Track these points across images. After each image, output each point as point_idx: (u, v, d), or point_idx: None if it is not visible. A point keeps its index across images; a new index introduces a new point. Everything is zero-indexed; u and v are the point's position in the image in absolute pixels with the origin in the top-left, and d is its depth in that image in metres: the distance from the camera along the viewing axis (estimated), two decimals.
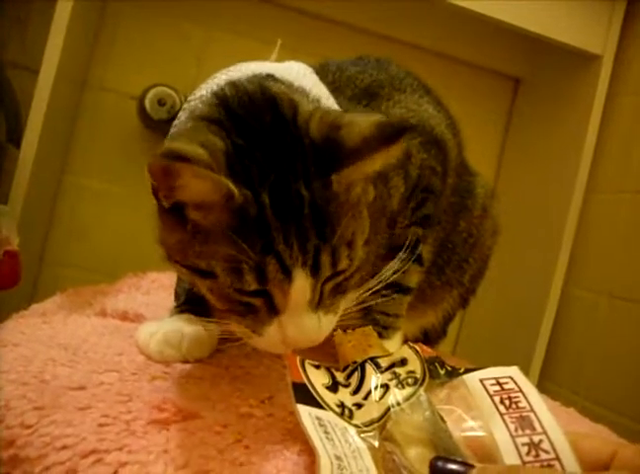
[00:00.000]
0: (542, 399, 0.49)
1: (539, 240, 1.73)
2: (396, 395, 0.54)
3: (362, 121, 0.61)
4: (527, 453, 0.45)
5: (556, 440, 0.45)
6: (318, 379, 0.56)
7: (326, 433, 0.49)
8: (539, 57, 1.86)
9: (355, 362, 0.59)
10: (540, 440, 0.45)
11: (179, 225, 0.61)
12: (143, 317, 0.88)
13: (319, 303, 0.61)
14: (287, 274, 0.58)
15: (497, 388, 0.50)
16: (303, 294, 0.59)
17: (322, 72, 0.82)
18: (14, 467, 0.49)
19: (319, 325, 0.62)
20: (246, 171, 0.58)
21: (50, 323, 0.80)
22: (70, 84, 1.60)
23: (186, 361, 0.71)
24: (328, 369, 0.59)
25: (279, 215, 0.57)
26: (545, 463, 0.44)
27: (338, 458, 0.46)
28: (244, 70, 0.74)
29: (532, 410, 0.48)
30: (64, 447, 0.49)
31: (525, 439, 0.45)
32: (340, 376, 0.58)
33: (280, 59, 0.85)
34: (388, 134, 0.60)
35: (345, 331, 0.65)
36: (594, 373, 1.53)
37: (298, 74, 0.75)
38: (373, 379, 0.56)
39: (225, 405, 0.60)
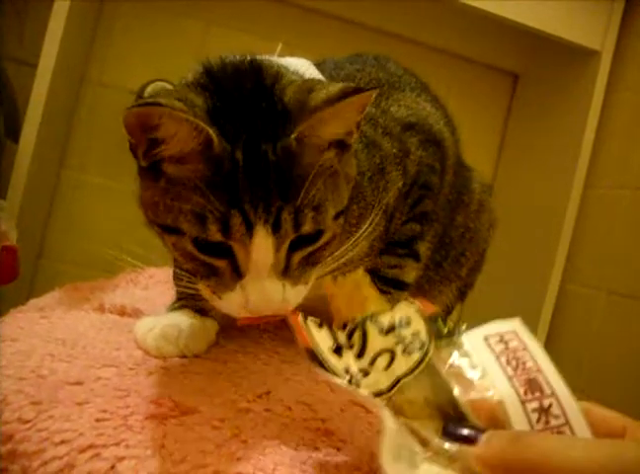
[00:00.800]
0: (548, 357, 0.48)
1: (537, 236, 1.73)
2: (404, 363, 0.51)
3: (333, 86, 0.62)
4: (538, 420, 0.44)
5: (565, 403, 0.44)
6: (324, 342, 0.54)
7: None
8: (538, 53, 1.86)
9: (354, 320, 0.56)
10: (550, 404, 0.44)
11: (154, 182, 0.62)
12: (141, 312, 0.87)
13: (285, 272, 0.61)
14: (249, 229, 0.58)
15: (502, 347, 0.48)
16: (265, 254, 0.59)
17: (319, 70, 0.82)
18: (12, 462, 0.49)
19: (283, 295, 0.61)
20: (222, 128, 0.59)
21: (49, 318, 0.80)
22: (68, 79, 1.60)
23: (183, 356, 0.71)
24: (330, 329, 0.56)
25: (248, 175, 0.58)
26: (555, 430, 0.43)
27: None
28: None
29: (540, 370, 0.46)
30: (62, 442, 0.49)
31: (535, 405, 0.44)
32: (341, 336, 0.55)
33: (279, 56, 0.85)
34: (348, 91, 0.60)
35: (335, 279, 0.62)
36: (591, 369, 1.53)
37: (297, 64, 0.76)
38: (377, 342, 0.54)
39: (223, 400, 0.59)
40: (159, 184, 0.62)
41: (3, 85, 1.44)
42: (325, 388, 0.68)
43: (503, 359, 0.48)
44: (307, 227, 0.60)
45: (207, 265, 0.61)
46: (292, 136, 0.60)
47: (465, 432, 0.45)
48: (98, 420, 0.52)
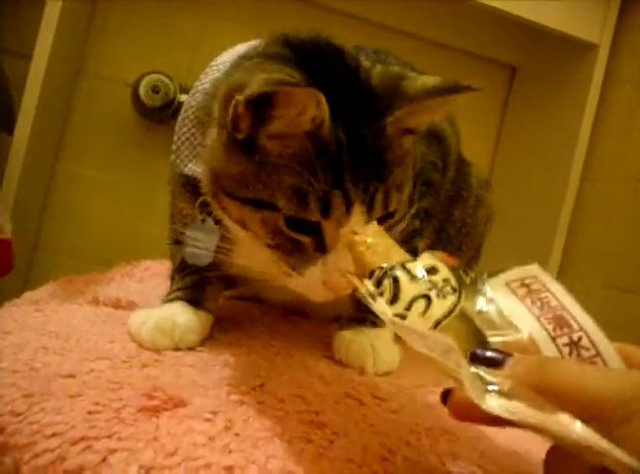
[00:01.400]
0: (570, 296, 0.47)
1: (534, 229, 1.73)
2: (440, 307, 0.51)
3: (428, 77, 0.64)
4: (570, 354, 0.44)
5: (594, 335, 0.44)
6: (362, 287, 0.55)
7: None
8: (536, 46, 1.86)
9: (381, 268, 0.55)
10: (580, 338, 0.44)
11: (245, 156, 0.62)
12: (136, 305, 0.87)
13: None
14: (348, 208, 0.60)
15: (525, 291, 0.49)
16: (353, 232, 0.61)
17: None
18: (3, 454, 0.49)
19: None
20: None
21: (43, 311, 0.80)
22: (64, 71, 1.59)
23: (178, 349, 0.71)
24: (358, 278, 0.57)
25: (351, 156, 0.60)
26: (588, 361, 0.44)
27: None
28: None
29: (565, 308, 0.46)
30: (54, 435, 0.48)
31: (565, 339, 0.45)
32: (369, 285, 0.55)
33: None
34: (451, 86, 0.63)
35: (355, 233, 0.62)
36: None
37: None
38: (411, 288, 0.53)
39: (216, 392, 0.59)
40: (253, 158, 0.62)
41: None
42: (319, 381, 0.68)
43: (528, 301, 0.48)
44: (392, 207, 0.64)
45: (293, 240, 0.62)
46: (389, 120, 0.62)
47: (491, 353, 0.45)
48: (90, 412, 0.51)
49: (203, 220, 0.75)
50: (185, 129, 0.76)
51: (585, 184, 1.66)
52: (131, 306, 0.87)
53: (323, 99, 0.57)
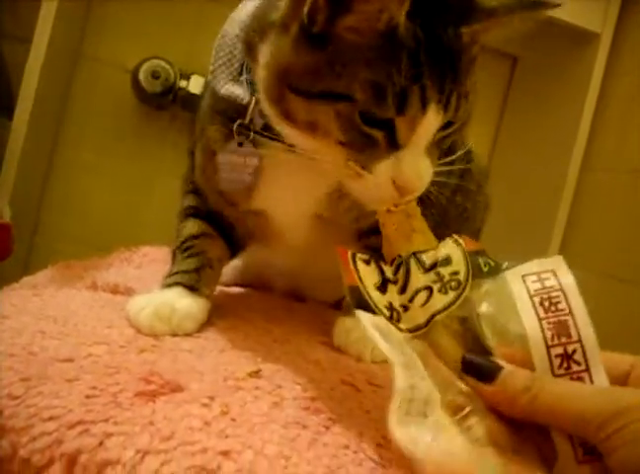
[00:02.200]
0: (582, 300, 0.48)
1: (533, 219, 1.73)
2: (439, 301, 0.53)
3: None
4: (559, 366, 0.45)
5: (589, 350, 0.46)
6: (370, 279, 0.55)
7: (388, 342, 0.50)
8: (537, 36, 1.84)
9: (400, 257, 0.58)
10: (574, 351, 0.46)
11: (317, 47, 0.62)
12: (134, 291, 0.87)
13: (430, 150, 0.65)
14: (424, 105, 0.60)
15: (538, 286, 0.49)
16: (430, 131, 0.63)
17: None
18: (1, 437, 0.49)
19: (428, 169, 0.65)
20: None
21: (41, 296, 0.80)
22: (63, 56, 1.58)
23: (175, 334, 0.71)
24: (377, 264, 0.57)
25: (429, 55, 0.60)
26: (575, 376, 0.45)
27: (406, 367, 0.47)
28: None
29: (571, 313, 0.47)
30: (51, 418, 0.49)
31: (560, 350, 0.46)
32: (388, 271, 0.57)
33: None
34: (527, 3, 0.65)
35: (388, 210, 0.63)
36: None
37: None
38: (418, 279, 0.55)
39: (213, 377, 0.60)
40: (327, 49, 0.61)
41: None
42: (316, 367, 0.68)
43: (537, 299, 0.49)
44: (462, 113, 0.65)
45: (365, 135, 0.62)
46: (466, 31, 0.63)
47: (482, 363, 0.47)
48: (87, 396, 0.51)
49: (241, 144, 0.74)
50: (222, 54, 0.76)
51: (584, 174, 1.66)
52: (129, 292, 0.87)
53: None
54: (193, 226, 0.85)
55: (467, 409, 0.46)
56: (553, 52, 1.81)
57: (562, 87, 1.76)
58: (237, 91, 0.73)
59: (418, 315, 0.53)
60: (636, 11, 1.65)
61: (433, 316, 0.52)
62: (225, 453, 0.46)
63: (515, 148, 1.91)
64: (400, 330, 0.52)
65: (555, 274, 0.50)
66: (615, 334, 1.54)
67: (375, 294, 0.54)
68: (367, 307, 0.53)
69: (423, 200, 0.86)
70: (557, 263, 0.51)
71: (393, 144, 0.63)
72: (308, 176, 0.73)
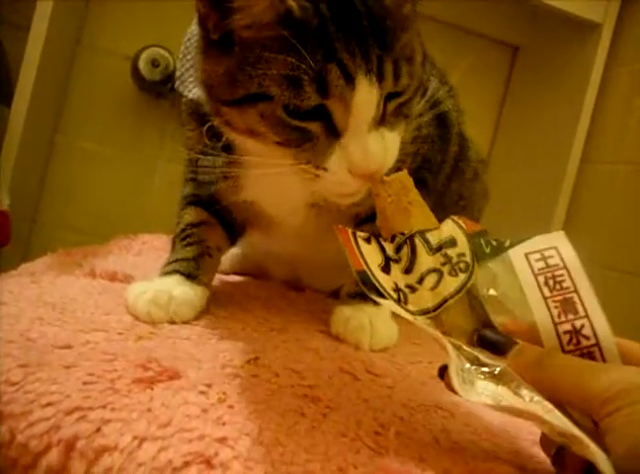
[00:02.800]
0: (585, 275, 0.48)
1: (533, 209, 1.73)
2: (450, 284, 0.53)
3: None
4: (569, 342, 0.45)
5: (597, 324, 0.46)
6: (373, 259, 0.54)
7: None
8: (539, 25, 1.84)
9: (402, 234, 0.56)
10: (582, 325, 0.46)
11: (225, 54, 0.61)
12: (132, 278, 0.87)
13: (382, 120, 0.60)
14: (350, 81, 0.57)
15: (542, 265, 0.49)
16: (368, 107, 0.58)
17: None
18: None
19: (384, 144, 0.60)
20: None
21: (39, 283, 0.80)
22: (62, 43, 1.58)
23: (173, 322, 0.72)
24: (377, 241, 0.56)
25: (339, 26, 0.57)
26: (585, 350, 0.45)
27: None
28: None
29: (576, 290, 0.47)
30: (48, 404, 0.49)
31: (567, 327, 0.46)
32: (389, 249, 0.55)
33: None
34: None
35: (381, 180, 0.60)
36: None
37: None
38: (426, 260, 0.54)
39: (210, 365, 0.60)
40: (232, 53, 0.60)
41: None
42: (314, 355, 0.68)
43: (541, 279, 0.49)
44: (405, 79, 0.61)
45: (299, 130, 0.59)
46: None
47: (498, 338, 0.48)
48: (85, 383, 0.52)
49: (213, 147, 0.73)
50: (189, 56, 0.77)
51: (585, 165, 1.66)
52: (128, 279, 0.87)
53: None
54: (192, 214, 0.85)
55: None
56: (554, 42, 1.81)
57: (563, 77, 1.76)
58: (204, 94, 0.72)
59: (426, 298, 0.52)
60: (638, 1, 1.64)
61: (444, 301, 0.52)
62: (222, 440, 0.46)
63: (515, 138, 1.91)
64: (409, 312, 0.51)
65: (558, 250, 0.50)
66: (618, 326, 1.54)
67: (381, 276, 0.53)
68: (376, 290, 0.52)
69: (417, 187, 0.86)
70: (559, 238, 0.51)
71: (334, 132, 0.59)
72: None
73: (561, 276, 0.48)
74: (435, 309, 0.52)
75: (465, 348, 0.47)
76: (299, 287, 1.00)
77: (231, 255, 1.02)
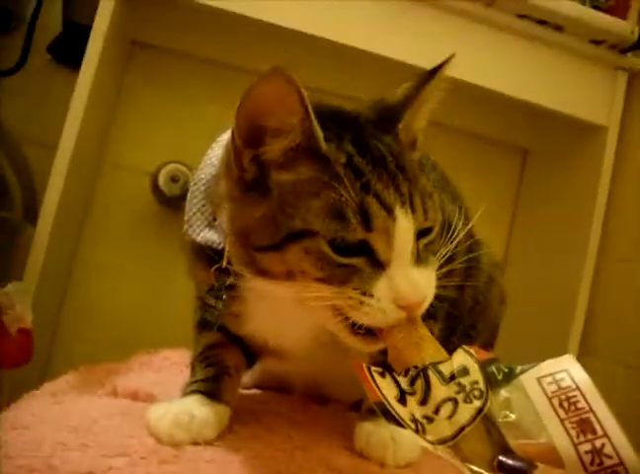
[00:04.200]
0: (599, 395, 0.48)
1: (552, 311, 1.72)
2: (466, 412, 0.53)
3: (399, 87, 0.68)
4: (591, 463, 0.45)
5: (617, 442, 0.45)
6: (389, 392, 0.55)
7: None
8: (546, 128, 1.89)
9: (416, 367, 0.57)
10: (603, 445, 0.45)
11: (262, 198, 0.63)
12: (154, 397, 0.87)
13: (418, 258, 0.61)
14: (390, 212, 0.58)
15: (554, 388, 0.50)
16: (408, 239, 0.59)
17: None
18: None
19: (427, 277, 0.61)
20: (326, 132, 0.62)
21: (61, 404, 0.80)
22: (86, 161, 1.63)
23: (196, 443, 0.71)
24: (392, 376, 0.57)
25: (368, 162, 0.60)
26: (609, 470, 0.44)
27: None
28: None
29: (591, 410, 0.47)
30: None
31: (588, 447, 0.45)
32: (403, 382, 0.56)
33: None
34: (425, 75, 0.67)
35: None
36: None
37: None
38: (440, 391, 0.55)
39: None
40: (271, 197, 0.62)
41: (22, 169, 1.48)
42: None
43: (555, 401, 0.49)
44: (431, 214, 0.63)
45: (344, 266, 0.60)
46: (400, 126, 0.65)
47: (518, 464, 0.47)
48: None
49: (219, 288, 0.74)
50: (195, 201, 0.78)
51: (602, 264, 1.66)
52: (150, 398, 0.87)
53: (297, 82, 0.57)
54: (209, 336, 0.86)
55: None
56: (563, 145, 1.85)
57: (574, 178, 1.79)
58: (213, 237, 0.74)
59: (444, 427, 0.53)
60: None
61: (462, 429, 0.52)
62: None
63: (530, 240, 1.92)
64: (429, 442, 0.52)
65: (569, 372, 0.50)
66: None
67: (399, 408, 0.54)
68: (395, 420, 0.53)
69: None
70: (569, 361, 0.52)
71: (377, 265, 0.60)
72: (297, 309, 0.68)
73: (574, 397, 0.48)
74: (453, 437, 0.52)
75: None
76: (322, 399, 0.99)
77: (252, 369, 1.01)
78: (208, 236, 0.75)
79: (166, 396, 0.83)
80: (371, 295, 0.60)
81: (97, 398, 0.86)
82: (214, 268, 0.73)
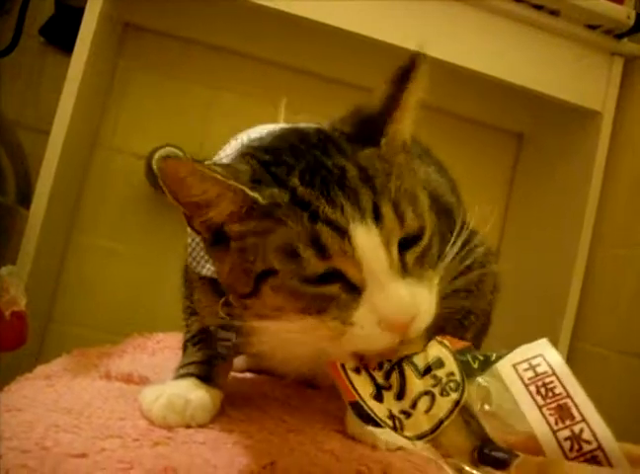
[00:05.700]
0: (574, 378, 0.48)
1: (545, 297, 1.72)
2: (444, 405, 0.52)
3: (377, 89, 0.64)
4: (571, 449, 0.45)
5: (596, 427, 0.45)
6: (365, 390, 0.54)
7: None
8: (542, 113, 1.89)
9: (389, 361, 0.56)
10: (581, 430, 0.45)
11: (226, 251, 0.62)
12: (148, 380, 0.88)
13: (405, 271, 0.57)
14: (343, 233, 0.55)
15: (531, 374, 0.49)
16: (375, 254, 0.55)
17: None
18: None
19: (413, 294, 0.56)
20: (272, 174, 0.59)
21: (55, 386, 0.80)
22: (80, 145, 1.63)
23: (189, 426, 0.71)
24: (367, 371, 0.56)
25: (315, 188, 0.57)
26: (589, 455, 0.44)
27: None
28: (261, 130, 0.76)
29: (569, 395, 0.47)
30: None
31: (567, 433, 0.45)
32: (378, 377, 0.55)
33: (285, 119, 0.86)
34: (403, 70, 0.63)
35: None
36: None
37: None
38: (416, 385, 0.54)
39: (227, 471, 0.59)
40: (234, 248, 0.61)
41: (16, 153, 1.47)
42: (330, 457, 0.67)
43: (532, 388, 0.49)
44: (410, 220, 0.58)
45: (318, 297, 0.57)
46: (383, 141, 0.62)
47: (499, 454, 0.46)
48: None
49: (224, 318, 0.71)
50: (199, 238, 0.76)
51: (595, 250, 1.66)
52: (144, 381, 0.87)
53: (192, 166, 0.57)
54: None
55: None
56: (558, 129, 1.85)
57: (568, 163, 1.79)
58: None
59: (422, 421, 0.52)
60: (636, 88, 1.68)
61: (440, 423, 0.52)
62: None
63: (524, 225, 1.92)
64: (407, 438, 0.52)
65: (544, 357, 0.50)
66: (634, 411, 1.51)
67: (375, 405, 0.54)
68: (372, 420, 0.52)
69: None
70: (544, 346, 0.51)
71: (354, 288, 0.57)
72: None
73: (551, 382, 0.48)
74: (432, 432, 0.52)
75: (468, 469, 0.47)
76: (315, 385, 0.99)
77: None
78: (214, 268, 0.73)
79: (160, 380, 0.83)
80: (351, 324, 0.57)
81: (90, 381, 0.86)
82: (222, 301, 0.70)
